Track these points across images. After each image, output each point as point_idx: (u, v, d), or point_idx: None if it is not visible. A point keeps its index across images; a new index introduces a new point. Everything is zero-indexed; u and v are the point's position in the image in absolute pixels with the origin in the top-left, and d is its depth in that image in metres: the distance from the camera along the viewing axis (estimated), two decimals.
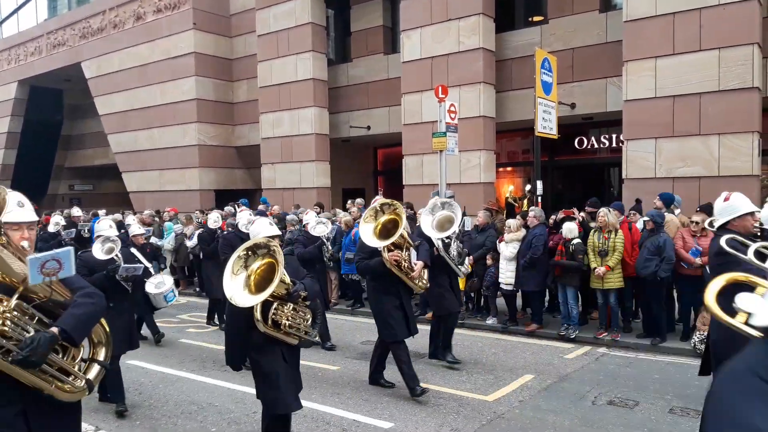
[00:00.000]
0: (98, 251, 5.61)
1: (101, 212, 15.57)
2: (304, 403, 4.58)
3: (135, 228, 7.59)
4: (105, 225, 6.29)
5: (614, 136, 13.77)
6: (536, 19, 14.07)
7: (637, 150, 11.06)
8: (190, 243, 12.78)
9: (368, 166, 20.02)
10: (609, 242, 7.86)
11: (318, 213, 12.35)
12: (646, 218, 7.93)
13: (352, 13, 17.27)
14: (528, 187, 14.71)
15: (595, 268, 7.77)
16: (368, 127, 16.82)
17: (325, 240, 8.94)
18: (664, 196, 8.66)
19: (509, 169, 16.69)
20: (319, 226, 8.90)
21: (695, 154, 10.46)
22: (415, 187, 14.19)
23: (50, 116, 26.68)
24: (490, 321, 8.99)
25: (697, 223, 7.58)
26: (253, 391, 4.41)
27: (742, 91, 10.04)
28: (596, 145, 14.49)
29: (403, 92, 14.59)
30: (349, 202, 12.99)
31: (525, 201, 14.83)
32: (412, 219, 10.13)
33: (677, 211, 8.61)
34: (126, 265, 5.69)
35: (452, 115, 10.61)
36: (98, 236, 5.89)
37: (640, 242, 7.77)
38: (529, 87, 11.25)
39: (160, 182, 20.28)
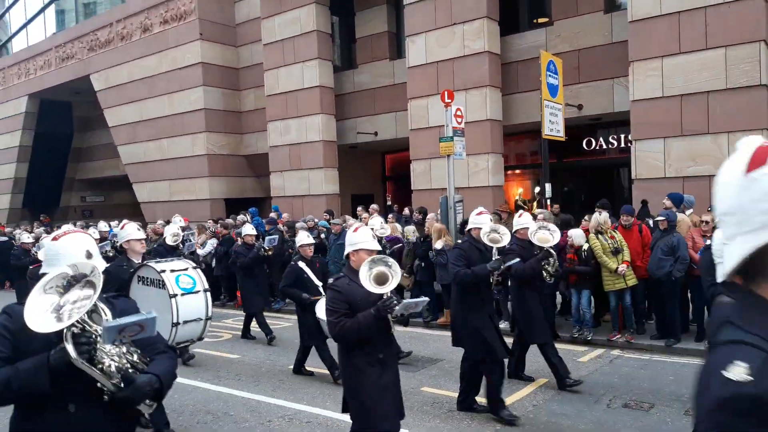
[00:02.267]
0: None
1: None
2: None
3: (303, 237, 7.57)
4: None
5: (622, 136, 13.73)
6: (541, 21, 14.07)
7: (646, 150, 11.03)
8: (202, 251, 12.88)
9: (376, 172, 20.07)
10: (617, 240, 7.87)
11: (328, 220, 12.44)
12: (660, 218, 7.90)
13: (356, 20, 17.35)
14: (537, 189, 14.70)
15: (616, 268, 7.73)
16: (375, 133, 16.87)
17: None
18: (672, 195, 8.63)
19: (518, 171, 16.67)
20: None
21: (705, 153, 10.41)
22: (423, 191, 14.21)
23: (60, 129, 26.94)
24: (503, 324, 8.96)
25: (707, 222, 7.57)
26: (268, 399, 4.44)
27: (750, 88, 9.99)
28: (605, 146, 14.45)
29: (410, 97, 14.63)
30: (360, 208, 13.04)
31: (534, 203, 14.82)
32: (421, 224, 10.18)
33: (689, 211, 8.56)
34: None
35: (459, 120, 10.63)
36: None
37: (652, 243, 7.75)
38: (536, 89, 11.26)
39: (171, 192, 20.43)
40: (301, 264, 7.20)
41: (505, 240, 5.71)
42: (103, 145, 25.57)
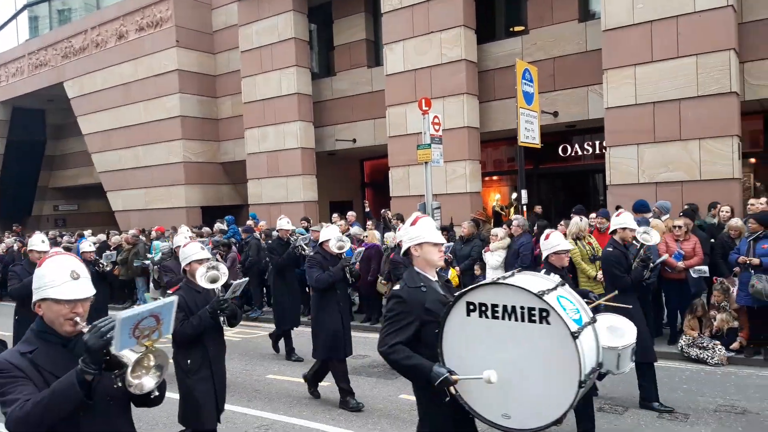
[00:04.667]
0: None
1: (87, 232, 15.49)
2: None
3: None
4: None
5: (597, 143, 13.92)
6: (517, 29, 14.22)
7: (620, 156, 11.19)
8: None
9: (355, 179, 20.05)
10: (594, 246, 7.94)
11: (306, 228, 12.36)
12: None
13: (334, 27, 17.37)
14: (514, 195, 14.80)
15: (596, 275, 7.77)
16: (354, 140, 16.87)
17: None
18: (637, 205, 8.71)
19: (495, 178, 16.79)
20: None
21: (677, 159, 10.59)
22: (402, 198, 14.23)
23: (33, 137, 26.46)
24: None
25: (679, 227, 7.68)
26: (243, 409, 4.38)
27: (721, 96, 10.20)
28: (580, 153, 14.64)
29: (388, 105, 14.66)
30: (335, 215, 12.99)
31: (512, 209, 14.92)
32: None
33: (665, 217, 8.64)
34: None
35: (436, 127, 10.68)
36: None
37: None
38: (512, 96, 11.36)
39: (146, 200, 20.17)
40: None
41: (655, 239, 5.79)
42: (76, 152, 25.19)
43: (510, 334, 2.79)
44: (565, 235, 8.32)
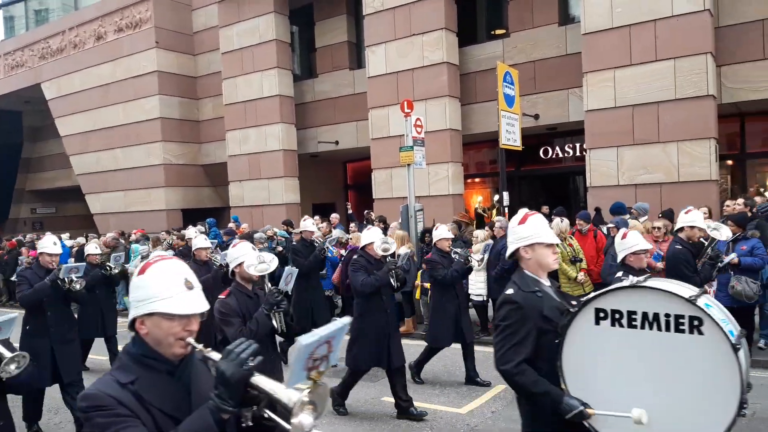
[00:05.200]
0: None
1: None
2: None
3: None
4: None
5: (578, 145, 14.05)
6: (498, 32, 14.31)
7: (600, 158, 11.30)
8: None
9: (338, 181, 20.00)
10: (575, 248, 8.00)
11: (287, 231, 12.30)
12: (610, 225, 8.09)
13: (316, 29, 17.32)
14: (496, 197, 14.89)
15: (576, 276, 7.85)
16: (336, 142, 16.83)
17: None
18: (613, 207, 8.80)
19: (477, 180, 16.86)
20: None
21: (656, 162, 10.72)
22: (385, 200, 14.22)
23: (10, 139, 25.99)
24: None
25: (659, 228, 7.77)
26: None
27: (698, 99, 10.35)
28: (561, 155, 14.76)
29: (370, 107, 14.66)
30: (317, 217, 12.93)
31: (494, 211, 15.00)
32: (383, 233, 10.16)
33: (643, 218, 8.76)
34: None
35: (419, 129, 10.69)
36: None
37: (605, 249, 7.91)
38: (494, 99, 11.42)
39: (125, 203, 19.90)
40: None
41: (726, 234, 5.67)
42: (54, 155, 24.78)
43: (651, 346, 2.38)
44: None
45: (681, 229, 5.62)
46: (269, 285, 4.32)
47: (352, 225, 12.04)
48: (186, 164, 19.48)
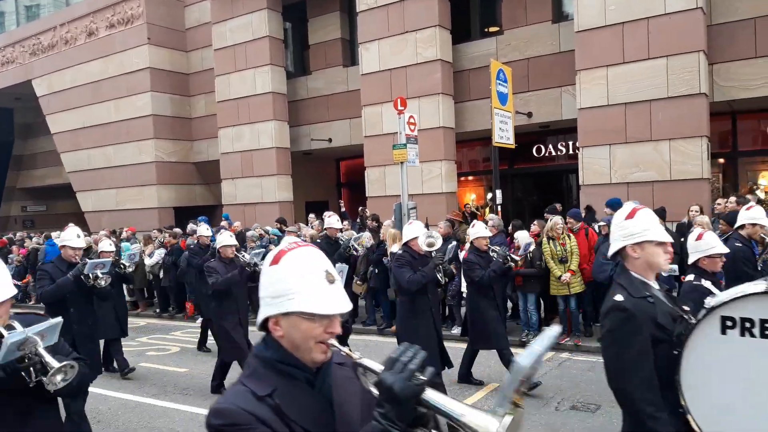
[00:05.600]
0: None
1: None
2: None
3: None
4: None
5: (570, 143, 14.06)
6: (492, 30, 14.29)
7: (593, 156, 11.31)
8: (150, 261, 12.50)
9: (331, 179, 19.95)
10: (567, 248, 8.01)
11: (280, 229, 12.26)
12: (602, 223, 8.09)
13: (309, 26, 17.25)
14: (489, 195, 14.88)
15: (560, 276, 7.87)
16: (330, 140, 16.78)
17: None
18: (610, 202, 8.82)
19: (471, 178, 16.85)
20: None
21: (648, 160, 10.74)
22: (378, 198, 14.20)
23: (0, 136, 25.81)
24: (455, 330, 9.02)
25: None
26: None
27: (690, 97, 10.37)
28: (554, 153, 14.77)
29: (363, 104, 14.61)
30: (311, 215, 12.91)
31: (487, 209, 14.98)
32: (376, 231, 10.14)
33: None
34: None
35: (412, 127, 10.66)
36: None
37: (596, 247, 7.92)
38: (487, 97, 11.40)
39: (117, 201, 19.79)
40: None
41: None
42: (45, 152, 24.61)
43: None
44: (539, 234, 8.41)
45: (742, 227, 5.33)
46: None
47: (345, 223, 12.01)
48: (178, 162, 19.38)
